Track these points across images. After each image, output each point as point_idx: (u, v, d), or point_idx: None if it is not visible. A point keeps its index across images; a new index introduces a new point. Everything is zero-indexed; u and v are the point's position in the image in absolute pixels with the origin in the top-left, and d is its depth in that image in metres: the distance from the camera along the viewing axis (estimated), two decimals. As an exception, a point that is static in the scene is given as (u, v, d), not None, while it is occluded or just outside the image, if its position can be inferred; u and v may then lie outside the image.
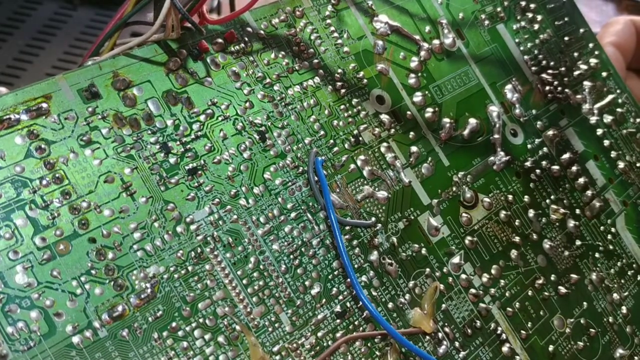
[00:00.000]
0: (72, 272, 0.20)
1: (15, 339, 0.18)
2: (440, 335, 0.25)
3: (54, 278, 0.19)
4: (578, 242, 0.30)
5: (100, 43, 0.24)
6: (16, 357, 0.18)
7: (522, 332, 0.27)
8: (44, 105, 0.21)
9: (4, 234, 0.19)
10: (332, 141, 0.26)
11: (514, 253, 0.28)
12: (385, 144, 0.27)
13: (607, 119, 0.34)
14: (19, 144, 0.20)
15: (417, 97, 0.28)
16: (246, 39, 0.25)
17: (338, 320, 0.23)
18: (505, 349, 0.26)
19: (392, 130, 0.27)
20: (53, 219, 0.20)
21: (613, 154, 0.33)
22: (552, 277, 0.28)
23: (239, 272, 0.22)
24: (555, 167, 0.31)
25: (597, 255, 0.30)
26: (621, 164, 0.33)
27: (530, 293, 0.27)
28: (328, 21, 0.27)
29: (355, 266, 0.24)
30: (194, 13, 0.24)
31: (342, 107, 0.26)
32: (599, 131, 0.33)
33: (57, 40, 0.42)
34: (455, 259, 0.26)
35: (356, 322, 0.23)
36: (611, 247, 0.31)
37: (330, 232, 0.24)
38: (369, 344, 0.23)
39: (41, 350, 0.19)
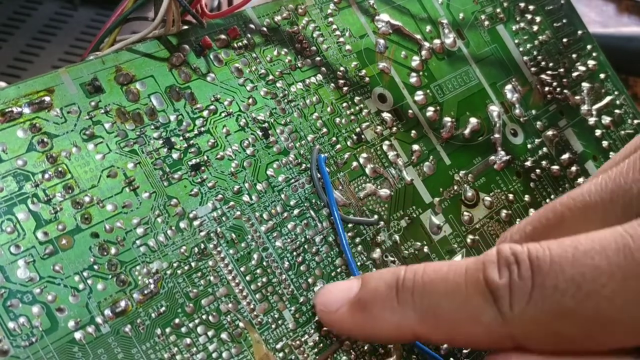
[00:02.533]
0: (75, 267, 0.19)
1: (17, 335, 0.18)
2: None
3: (56, 273, 0.19)
4: (578, 242, 0.30)
5: (100, 39, 0.24)
6: (18, 353, 0.18)
7: (524, 331, 0.27)
8: (47, 98, 0.21)
9: (6, 227, 0.19)
10: (334, 138, 0.25)
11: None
12: (387, 142, 0.27)
13: (606, 120, 0.34)
14: (21, 137, 0.20)
15: (419, 96, 0.28)
16: (249, 35, 0.25)
17: (341, 318, 0.23)
18: (507, 348, 0.26)
19: (394, 129, 0.27)
20: (55, 213, 0.20)
21: (612, 154, 0.33)
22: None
23: (242, 269, 0.22)
24: (555, 167, 0.31)
25: (597, 255, 0.30)
26: (620, 165, 0.33)
27: (531, 292, 0.27)
28: (330, 19, 0.27)
29: (358, 264, 0.24)
30: (193, 7, 0.24)
31: (344, 104, 0.26)
32: (598, 132, 0.33)
33: (58, 40, 0.41)
34: (457, 258, 0.26)
35: (359, 320, 0.23)
36: (611, 247, 0.31)
37: (333, 229, 0.24)
38: (372, 342, 0.23)
39: (43, 346, 0.18)
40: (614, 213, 0.19)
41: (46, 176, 0.20)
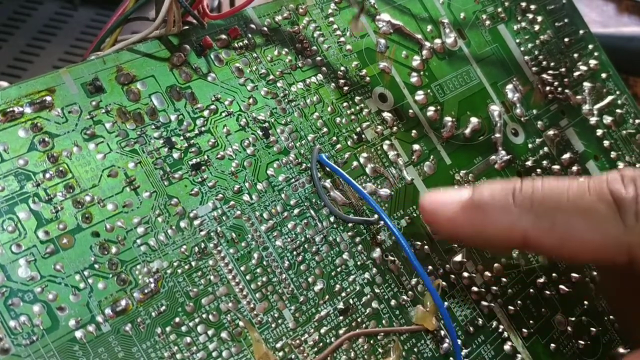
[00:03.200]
0: (76, 266, 0.20)
1: (18, 333, 0.18)
2: (442, 333, 0.25)
3: (57, 272, 0.19)
4: (579, 242, 0.30)
5: (102, 39, 0.24)
6: (19, 351, 0.18)
7: (524, 330, 0.27)
8: (48, 98, 0.21)
9: (7, 227, 0.19)
10: (335, 138, 0.26)
11: (515, 251, 0.28)
12: (387, 142, 0.27)
13: (607, 119, 0.34)
14: (23, 136, 0.20)
15: (419, 95, 0.28)
16: (249, 35, 0.25)
17: (341, 317, 0.23)
18: (507, 347, 0.26)
19: (395, 128, 0.27)
20: (56, 212, 0.20)
21: (613, 154, 0.33)
22: (554, 276, 0.28)
23: (242, 268, 0.22)
24: (556, 167, 0.31)
25: (597, 254, 0.30)
26: (621, 165, 0.33)
27: (531, 291, 0.27)
28: (331, 19, 0.27)
29: (358, 263, 0.24)
30: (195, 8, 0.24)
31: (344, 104, 0.26)
32: (599, 132, 0.33)
33: (58, 40, 0.42)
34: (457, 257, 0.26)
35: (359, 319, 0.23)
36: (611, 246, 0.31)
37: (333, 228, 0.24)
38: (371, 341, 0.23)
39: (44, 344, 0.19)
40: None
41: (47, 176, 0.20)
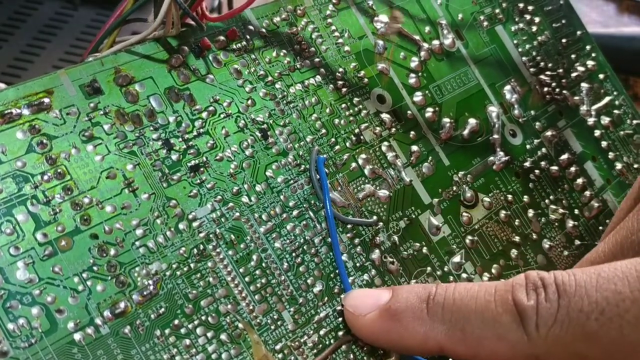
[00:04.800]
0: (74, 269, 0.20)
1: (17, 336, 0.18)
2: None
3: (55, 274, 0.19)
4: (577, 242, 0.30)
5: (100, 40, 0.24)
6: (17, 354, 0.18)
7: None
8: (46, 100, 0.21)
9: (5, 229, 0.19)
10: (333, 139, 0.26)
11: (514, 252, 0.28)
12: (386, 143, 0.27)
13: (605, 120, 0.34)
14: (21, 138, 0.20)
15: (418, 96, 0.28)
16: (248, 37, 0.25)
17: (340, 319, 0.23)
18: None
19: (393, 130, 0.27)
20: (55, 214, 0.20)
21: (611, 155, 0.33)
22: (552, 277, 0.28)
23: (241, 270, 0.22)
24: (554, 168, 0.31)
25: (595, 255, 0.30)
26: (619, 165, 0.33)
27: (530, 292, 0.27)
28: (329, 20, 0.27)
29: (357, 265, 0.24)
30: (194, 9, 0.24)
31: (343, 105, 0.26)
32: (597, 132, 0.33)
33: (58, 40, 0.42)
34: (456, 258, 0.26)
35: (358, 321, 0.23)
36: (610, 247, 0.31)
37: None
38: (371, 343, 0.23)
39: (42, 347, 0.18)
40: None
41: (45, 177, 0.20)
